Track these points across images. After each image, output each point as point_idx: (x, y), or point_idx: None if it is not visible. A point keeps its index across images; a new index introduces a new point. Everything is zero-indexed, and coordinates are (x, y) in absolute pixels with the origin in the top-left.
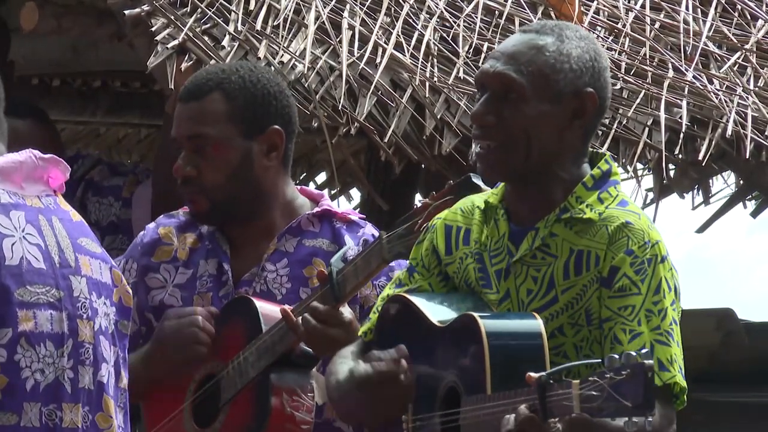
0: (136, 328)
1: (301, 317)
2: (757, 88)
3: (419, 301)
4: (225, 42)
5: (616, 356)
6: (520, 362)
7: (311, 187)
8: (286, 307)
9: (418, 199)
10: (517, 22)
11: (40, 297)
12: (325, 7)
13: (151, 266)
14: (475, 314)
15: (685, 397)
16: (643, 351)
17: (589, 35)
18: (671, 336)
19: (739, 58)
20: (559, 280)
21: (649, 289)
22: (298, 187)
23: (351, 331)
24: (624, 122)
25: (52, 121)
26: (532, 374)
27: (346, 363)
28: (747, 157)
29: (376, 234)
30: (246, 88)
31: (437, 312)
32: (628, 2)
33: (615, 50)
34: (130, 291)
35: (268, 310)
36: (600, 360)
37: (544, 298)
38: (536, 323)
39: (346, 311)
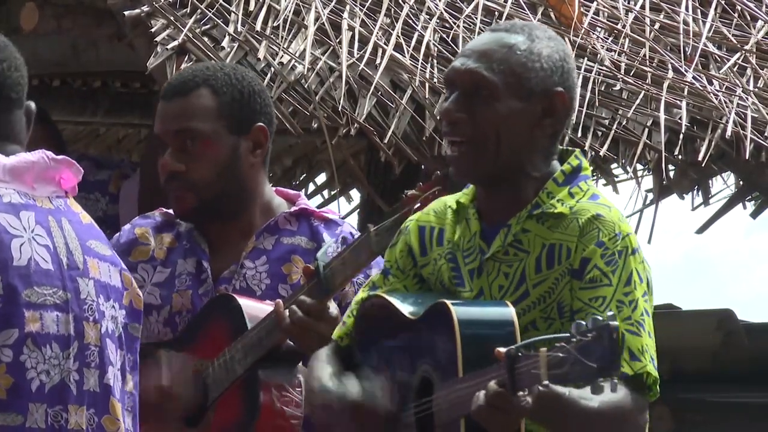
0: None
1: (287, 309)
2: (756, 89)
3: (394, 299)
4: (225, 43)
5: (583, 322)
6: (492, 347)
7: (311, 188)
8: (279, 301)
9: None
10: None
11: (47, 298)
12: (324, 8)
13: (128, 266)
14: (447, 301)
15: (657, 388)
16: (609, 313)
17: (557, 36)
18: (642, 326)
19: (738, 58)
20: (531, 274)
21: (620, 281)
22: (274, 188)
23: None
24: (624, 123)
25: (53, 121)
26: (501, 349)
27: (329, 367)
28: (746, 157)
29: (354, 232)
30: (233, 85)
31: (411, 307)
32: (628, 3)
33: (615, 51)
34: (141, 294)
35: (252, 306)
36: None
37: (515, 292)
38: (508, 310)
39: (333, 307)
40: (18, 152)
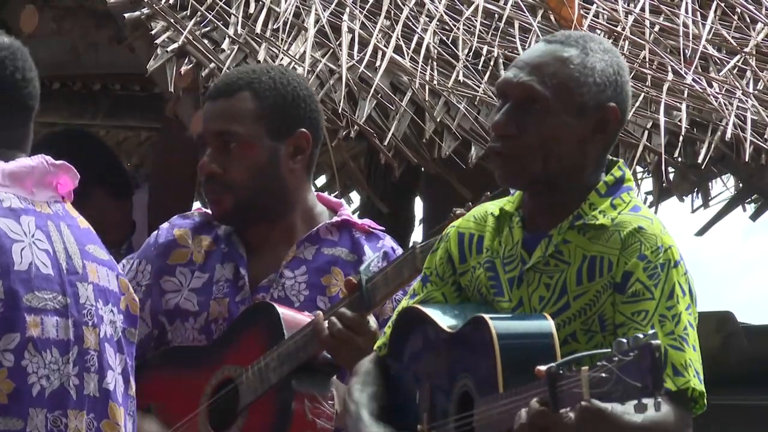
0: (148, 330)
1: (327, 321)
2: (756, 91)
3: (431, 311)
4: (225, 45)
5: (624, 340)
6: (531, 361)
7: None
8: (319, 312)
9: (453, 209)
10: (516, 26)
11: (47, 303)
12: (324, 11)
13: (167, 269)
14: (485, 316)
15: (704, 401)
16: (651, 332)
17: (612, 48)
18: (685, 341)
19: (738, 61)
20: (572, 286)
21: (662, 294)
22: (317, 194)
23: (375, 341)
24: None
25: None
26: (541, 367)
27: (366, 391)
28: (746, 160)
29: (396, 246)
30: (276, 89)
31: (449, 320)
32: (628, 5)
33: None
34: (137, 299)
35: (291, 316)
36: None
37: (556, 304)
38: (547, 323)
39: (372, 321)
40: (17, 157)
